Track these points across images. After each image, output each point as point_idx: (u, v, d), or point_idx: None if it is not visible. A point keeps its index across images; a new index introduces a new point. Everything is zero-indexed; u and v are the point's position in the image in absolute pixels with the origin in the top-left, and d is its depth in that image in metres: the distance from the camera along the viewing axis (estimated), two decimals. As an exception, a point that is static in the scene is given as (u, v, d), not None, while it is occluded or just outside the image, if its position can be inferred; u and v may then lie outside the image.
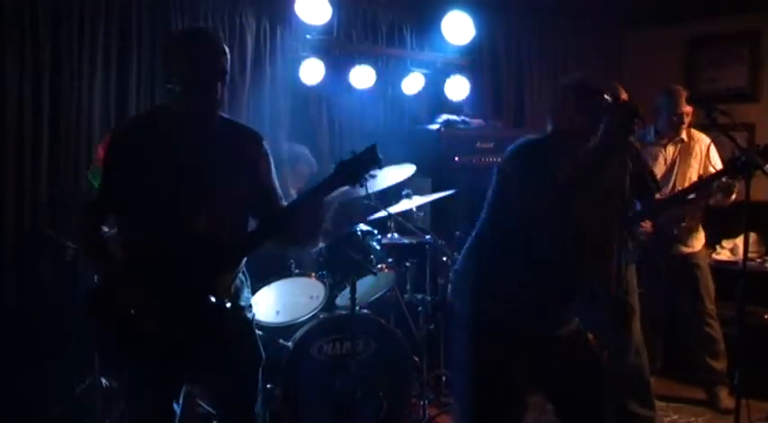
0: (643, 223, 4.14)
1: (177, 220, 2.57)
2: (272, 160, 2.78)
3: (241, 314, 2.76)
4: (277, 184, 2.80)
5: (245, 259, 2.79)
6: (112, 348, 2.70)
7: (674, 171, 4.62)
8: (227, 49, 2.62)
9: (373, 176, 2.68)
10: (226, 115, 2.77)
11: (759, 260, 5.33)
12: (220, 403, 2.88)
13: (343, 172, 2.63)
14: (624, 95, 4.00)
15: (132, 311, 2.53)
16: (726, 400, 4.62)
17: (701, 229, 4.70)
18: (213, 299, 2.56)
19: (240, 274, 2.77)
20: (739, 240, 5.24)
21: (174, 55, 2.59)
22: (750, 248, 5.10)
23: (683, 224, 4.55)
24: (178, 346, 2.57)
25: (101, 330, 2.68)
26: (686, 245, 4.64)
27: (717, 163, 4.63)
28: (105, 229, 2.76)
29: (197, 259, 2.54)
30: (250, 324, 2.82)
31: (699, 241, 4.70)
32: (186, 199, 2.58)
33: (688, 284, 4.70)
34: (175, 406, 2.73)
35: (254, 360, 2.81)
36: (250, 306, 2.83)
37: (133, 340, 2.57)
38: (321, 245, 4.27)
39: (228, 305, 2.59)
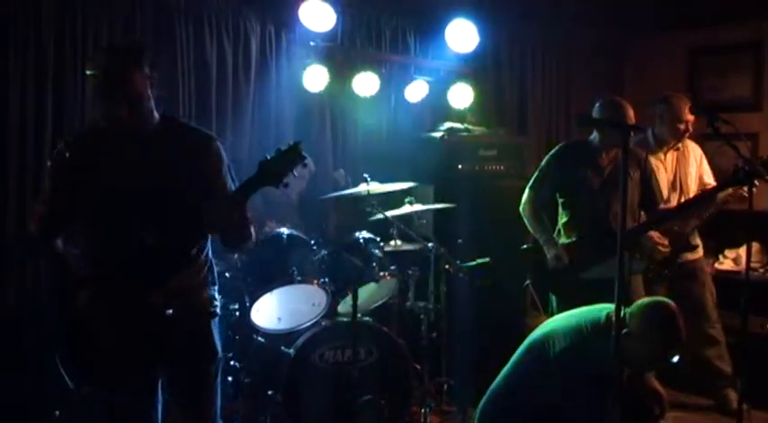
0: (658, 238, 4.15)
1: (125, 236, 2.58)
2: (224, 160, 2.75)
3: (194, 311, 2.76)
4: (230, 184, 2.76)
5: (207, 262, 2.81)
6: (77, 365, 2.71)
7: (678, 181, 4.64)
8: (144, 63, 2.63)
9: (296, 176, 2.61)
10: (174, 117, 2.79)
11: (762, 270, 5.32)
12: (178, 401, 2.86)
13: (265, 171, 2.56)
14: (631, 113, 4.04)
15: (89, 329, 2.58)
16: (735, 401, 4.57)
17: (698, 237, 4.73)
18: (155, 306, 2.58)
19: (205, 271, 2.80)
20: (742, 250, 5.25)
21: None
22: (753, 258, 5.07)
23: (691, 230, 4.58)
24: (137, 357, 2.61)
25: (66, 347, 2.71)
26: (692, 252, 4.66)
27: (707, 173, 4.67)
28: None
29: (147, 270, 2.57)
30: (206, 318, 2.81)
31: (700, 247, 4.73)
32: (128, 215, 2.58)
33: (693, 289, 4.71)
34: (153, 413, 2.76)
35: (207, 354, 2.81)
36: (213, 300, 2.83)
37: (95, 356, 2.61)
38: (323, 252, 4.27)
39: (170, 312, 2.60)
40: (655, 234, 4.12)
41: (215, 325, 2.85)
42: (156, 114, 2.69)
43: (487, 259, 4.63)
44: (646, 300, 3.22)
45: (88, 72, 2.64)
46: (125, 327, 2.58)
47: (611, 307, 3.11)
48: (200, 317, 2.79)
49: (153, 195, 2.59)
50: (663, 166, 4.67)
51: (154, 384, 2.78)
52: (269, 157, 2.58)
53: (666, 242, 4.16)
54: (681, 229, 4.42)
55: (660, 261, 4.27)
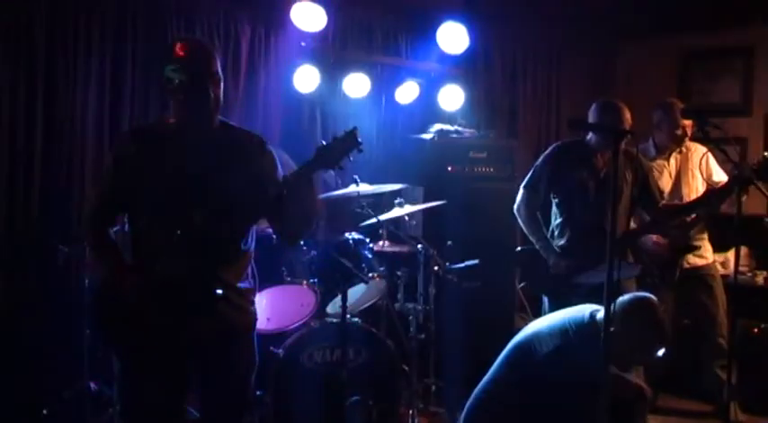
0: (656, 239, 4.15)
1: (176, 218, 2.60)
2: (277, 160, 2.83)
3: (243, 309, 2.80)
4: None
5: (251, 258, 2.85)
6: (117, 342, 2.77)
7: (681, 183, 4.66)
8: (215, 54, 2.70)
9: (351, 160, 2.77)
10: (227, 121, 2.84)
11: (749, 274, 5.35)
12: (207, 404, 2.85)
13: (321, 156, 2.71)
14: (627, 116, 4.04)
15: (134, 303, 2.59)
16: (737, 413, 4.60)
17: (708, 242, 4.74)
18: (208, 287, 2.61)
19: (249, 276, 2.85)
20: (730, 254, 5.26)
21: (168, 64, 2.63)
22: (741, 262, 5.11)
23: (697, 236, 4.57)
24: (180, 340, 2.64)
25: (103, 327, 2.75)
26: (701, 256, 4.67)
27: (716, 172, 4.65)
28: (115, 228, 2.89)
29: (196, 251, 2.60)
30: (250, 323, 2.86)
31: (710, 253, 4.75)
32: (183, 197, 2.63)
33: (703, 299, 4.69)
34: (182, 406, 2.81)
35: (248, 363, 2.84)
36: (254, 308, 2.88)
37: (137, 334, 2.64)
38: (313, 253, 4.28)
39: (220, 292, 2.62)
40: (653, 235, 4.13)
41: (254, 331, 2.89)
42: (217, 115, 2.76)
43: (476, 261, 4.64)
44: (626, 296, 3.22)
45: (171, 75, 2.59)
46: (168, 314, 2.61)
47: (593, 306, 3.13)
48: (244, 315, 2.82)
49: (205, 185, 2.64)
50: (667, 170, 4.71)
51: (186, 378, 2.79)
52: (325, 143, 2.72)
53: (666, 242, 4.16)
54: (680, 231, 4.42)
55: (662, 263, 4.27)
